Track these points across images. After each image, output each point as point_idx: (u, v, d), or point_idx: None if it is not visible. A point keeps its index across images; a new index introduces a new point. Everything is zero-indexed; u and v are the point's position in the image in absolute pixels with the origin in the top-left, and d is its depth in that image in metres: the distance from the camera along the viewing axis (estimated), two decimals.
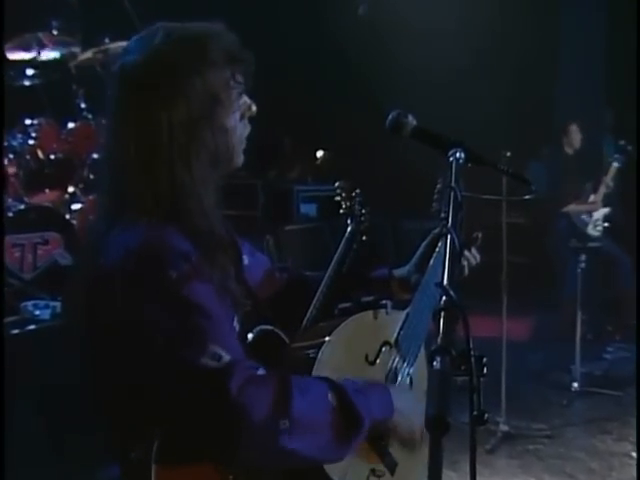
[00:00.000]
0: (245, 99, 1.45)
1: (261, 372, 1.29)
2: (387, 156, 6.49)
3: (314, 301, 1.82)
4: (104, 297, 1.32)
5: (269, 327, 1.57)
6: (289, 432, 1.23)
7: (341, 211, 2.05)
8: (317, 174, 7.34)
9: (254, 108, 1.46)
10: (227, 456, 1.27)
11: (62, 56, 4.87)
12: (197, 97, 1.35)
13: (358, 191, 2.06)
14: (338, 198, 2.06)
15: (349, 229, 2.03)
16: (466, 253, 1.82)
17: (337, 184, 2.08)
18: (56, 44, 4.82)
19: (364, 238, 2.02)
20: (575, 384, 4.82)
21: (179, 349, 1.25)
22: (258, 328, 1.55)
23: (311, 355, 1.48)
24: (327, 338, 1.50)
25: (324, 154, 7.57)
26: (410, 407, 1.48)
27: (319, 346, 1.49)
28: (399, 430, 1.49)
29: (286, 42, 7.18)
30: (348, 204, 2.05)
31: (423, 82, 6.99)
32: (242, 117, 1.45)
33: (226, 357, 1.24)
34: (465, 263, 1.82)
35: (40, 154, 4.49)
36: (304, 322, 1.79)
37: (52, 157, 4.55)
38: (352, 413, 1.32)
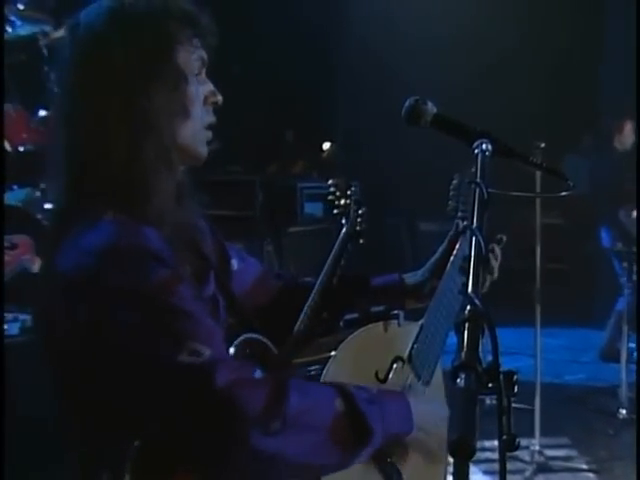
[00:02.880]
0: (209, 83, 1.51)
1: (258, 375, 1.31)
2: (403, 149, 6.50)
3: (303, 313, 1.83)
4: (65, 310, 1.32)
5: (255, 335, 1.59)
6: (281, 434, 1.24)
7: (335, 211, 2.08)
8: (323, 169, 7.35)
9: (219, 97, 1.52)
10: (212, 463, 1.27)
11: (31, 34, 4.88)
12: (152, 38, 1.42)
13: (354, 188, 2.09)
14: (331, 197, 2.10)
15: (343, 230, 2.05)
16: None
17: (330, 182, 2.11)
18: (24, 20, 4.84)
19: (361, 241, 2.05)
20: (622, 410, 4.81)
21: (154, 352, 1.26)
22: (243, 337, 1.56)
23: (313, 372, 1.49)
24: (333, 353, 1.52)
25: (331, 146, 7.58)
26: (433, 422, 1.51)
27: (323, 362, 1.50)
28: (419, 447, 1.52)
29: (291, 26, 7.20)
30: (342, 203, 2.08)
31: (446, 65, 7.01)
32: (205, 100, 1.50)
33: (207, 352, 1.24)
34: (493, 264, 1.84)
35: (7, 146, 4.51)
36: (294, 335, 1.79)
37: (21, 149, 4.56)
38: (361, 423, 1.33)
